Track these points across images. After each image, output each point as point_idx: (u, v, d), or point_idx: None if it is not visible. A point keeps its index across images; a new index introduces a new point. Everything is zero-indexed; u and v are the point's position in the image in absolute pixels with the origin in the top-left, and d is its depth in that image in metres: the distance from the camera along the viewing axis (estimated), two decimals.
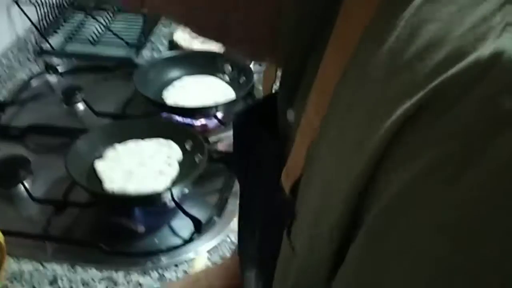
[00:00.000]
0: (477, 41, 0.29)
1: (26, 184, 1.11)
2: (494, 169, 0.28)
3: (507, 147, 0.27)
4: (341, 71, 0.36)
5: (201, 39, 0.48)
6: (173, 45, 1.55)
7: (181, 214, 1.03)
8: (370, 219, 0.33)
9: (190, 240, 1.00)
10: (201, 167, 1.06)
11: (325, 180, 0.37)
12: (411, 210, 0.30)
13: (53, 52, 1.56)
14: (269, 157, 0.49)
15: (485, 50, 0.28)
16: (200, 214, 1.03)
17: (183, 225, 1.03)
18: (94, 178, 1.07)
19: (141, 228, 1.03)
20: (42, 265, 0.96)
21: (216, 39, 0.48)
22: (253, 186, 0.56)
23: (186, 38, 1.53)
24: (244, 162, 0.57)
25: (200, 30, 0.47)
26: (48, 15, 1.61)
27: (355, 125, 0.34)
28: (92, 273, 0.95)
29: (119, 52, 1.55)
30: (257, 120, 0.53)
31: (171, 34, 1.59)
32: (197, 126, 1.27)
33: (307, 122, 0.41)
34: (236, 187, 1.08)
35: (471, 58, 0.28)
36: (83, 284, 0.93)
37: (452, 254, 0.29)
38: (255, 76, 1.31)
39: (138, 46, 1.54)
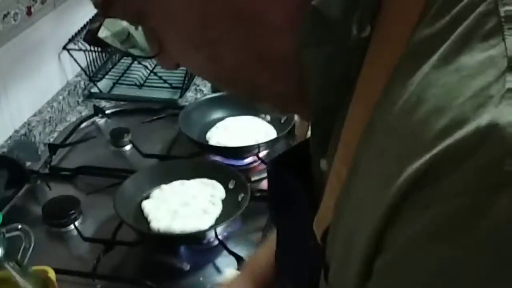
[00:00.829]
0: (476, 109, 0.31)
1: (77, 224, 1.15)
2: (493, 225, 0.30)
3: (503, 208, 0.29)
4: (363, 126, 0.39)
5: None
6: (215, 86, 1.59)
7: (225, 252, 1.05)
8: (376, 271, 0.35)
9: None
10: (243, 206, 1.08)
11: (348, 235, 0.39)
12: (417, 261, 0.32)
13: (101, 95, 1.63)
14: (301, 205, 0.51)
15: (482, 119, 0.30)
16: (244, 252, 1.05)
17: (227, 263, 1.04)
18: (141, 217, 1.11)
19: (186, 266, 1.05)
20: None
21: (246, 95, 0.51)
22: (286, 231, 0.58)
23: None
24: (278, 208, 0.59)
25: (229, 88, 0.51)
26: (97, 60, 1.68)
27: (370, 184, 0.36)
28: None
29: (164, 94, 1.60)
30: (290, 168, 0.54)
31: None
32: (240, 165, 1.30)
33: (334, 174, 0.43)
34: None
35: (471, 126, 0.30)
36: None
37: None
38: (296, 116, 1.34)
39: (182, 89, 1.58)
